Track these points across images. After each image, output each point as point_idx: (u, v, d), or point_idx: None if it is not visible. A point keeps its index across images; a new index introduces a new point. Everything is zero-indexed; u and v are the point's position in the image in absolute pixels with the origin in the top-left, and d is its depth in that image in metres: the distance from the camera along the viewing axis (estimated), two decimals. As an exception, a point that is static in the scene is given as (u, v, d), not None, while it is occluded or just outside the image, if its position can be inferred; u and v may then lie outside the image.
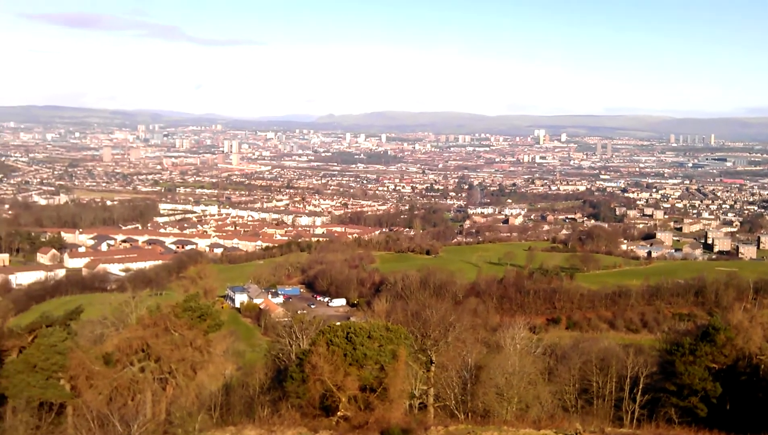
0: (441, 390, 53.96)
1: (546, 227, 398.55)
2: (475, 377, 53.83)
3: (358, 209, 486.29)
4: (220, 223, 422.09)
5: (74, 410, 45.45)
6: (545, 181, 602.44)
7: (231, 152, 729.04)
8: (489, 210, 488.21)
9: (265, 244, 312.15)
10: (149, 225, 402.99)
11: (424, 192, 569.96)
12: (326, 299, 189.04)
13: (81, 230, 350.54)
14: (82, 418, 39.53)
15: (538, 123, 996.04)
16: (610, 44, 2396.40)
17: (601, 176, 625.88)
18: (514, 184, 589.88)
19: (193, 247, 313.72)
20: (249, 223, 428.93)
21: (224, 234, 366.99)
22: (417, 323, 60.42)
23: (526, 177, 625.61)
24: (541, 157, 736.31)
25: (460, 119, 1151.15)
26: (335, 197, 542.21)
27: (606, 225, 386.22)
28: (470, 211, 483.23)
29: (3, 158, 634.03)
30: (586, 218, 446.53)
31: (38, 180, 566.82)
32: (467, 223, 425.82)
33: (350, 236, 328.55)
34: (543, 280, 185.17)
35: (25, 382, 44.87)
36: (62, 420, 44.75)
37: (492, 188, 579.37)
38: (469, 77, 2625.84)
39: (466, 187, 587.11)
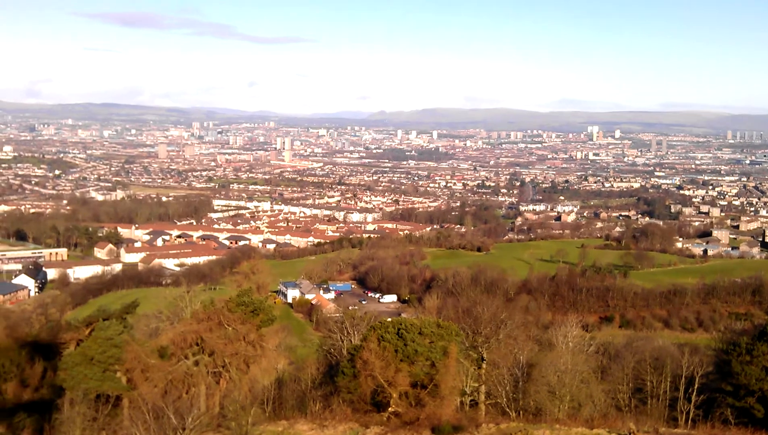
0: (492, 387, 53.71)
1: (599, 224, 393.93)
2: (526, 375, 53.48)
3: (409, 206, 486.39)
4: (272, 219, 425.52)
5: (130, 402, 46.15)
6: (598, 178, 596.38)
7: (284, 149, 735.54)
8: (541, 207, 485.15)
9: (317, 240, 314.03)
10: (203, 221, 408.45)
11: (475, 189, 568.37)
12: (377, 295, 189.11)
13: (137, 226, 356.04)
14: (137, 411, 40.12)
15: (592, 119, 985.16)
16: (666, 39, 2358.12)
17: (656, 173, 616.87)
18: (566, 181, 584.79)
19: (246, 242, 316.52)
20: (301, 219, 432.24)
21: (277, 230, 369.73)
22: (468, 320, 60.12)
23: (579, 174, 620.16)
24: (595, 154, 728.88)
25: (512, 116, 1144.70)
26: (386, 194, 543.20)
27: (661, 222, 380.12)
28: (522, 208, 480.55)
29: (62, 155, 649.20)
30: (640, 216, 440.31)
31: (96, 176, 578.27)
32: (519, 220, 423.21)
33: (401, 233, 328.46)
34: (596, 278, 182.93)
35: (83, 374, 45.64)
36: (118, 412, 45.45)
37: (544, 185, 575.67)
38: (521, 74, 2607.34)
39: (518, 183, 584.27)
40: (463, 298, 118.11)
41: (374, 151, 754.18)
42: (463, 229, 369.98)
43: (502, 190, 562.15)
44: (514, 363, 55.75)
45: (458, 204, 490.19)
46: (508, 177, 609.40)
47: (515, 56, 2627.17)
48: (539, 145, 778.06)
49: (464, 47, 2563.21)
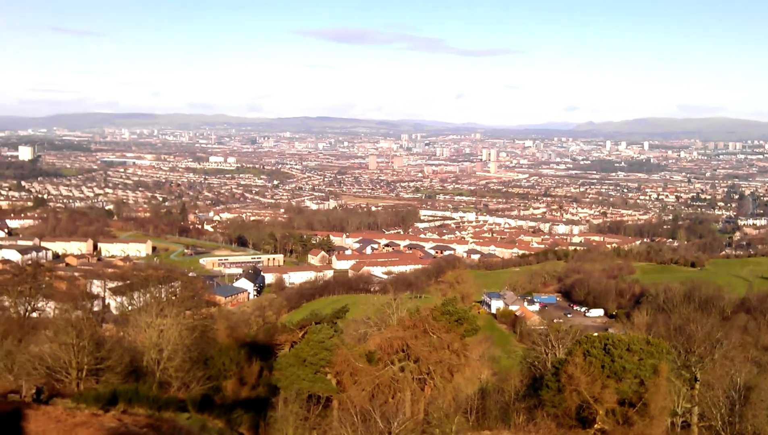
0: (706, 409, 51.34)
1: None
2: (744, 398, 50.62)
3: (618, 218, 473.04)
4: (477, 229, 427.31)
5: (339, 404, 48.01)
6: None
7: (489, 160, 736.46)
8: (762, 221, 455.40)
9: (521, 252, 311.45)
10: (410, 230, 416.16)
11: (689, 201, 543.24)
12: (583, 309, 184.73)
13: (347, 234, 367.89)
14: (346, 413, 41.58)
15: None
16: None
17: None
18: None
19: (451, 252, 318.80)
20: (506, 230, 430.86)
21: (481, 240, 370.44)
22: (680, 338, 58.08)
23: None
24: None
25: (730, 125, 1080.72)
26: (593, 206, 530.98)
27: None
28: (741, 223, 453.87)
29: (280, 166, 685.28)
30: None
31: (310, 186, 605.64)
32: (737, 235, 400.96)
33: (609, 246, 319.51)
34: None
35: (296, 375, 47.96)
36: (328, 413, 47.15)
37: (766, 198, 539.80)
38: (740, 80, 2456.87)
39: (737, 196, 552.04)
40: (674, 315, 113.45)
41: (581, 162, 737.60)
42: (675, 244, 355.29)
43: (719, 204, 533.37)
44: (730, 385, 52.96)
45: (670, 217, 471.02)
46: (725, 189, 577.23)
47: (734, 62, 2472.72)
48: (761, 157, 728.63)
49: (677, 53, 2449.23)
